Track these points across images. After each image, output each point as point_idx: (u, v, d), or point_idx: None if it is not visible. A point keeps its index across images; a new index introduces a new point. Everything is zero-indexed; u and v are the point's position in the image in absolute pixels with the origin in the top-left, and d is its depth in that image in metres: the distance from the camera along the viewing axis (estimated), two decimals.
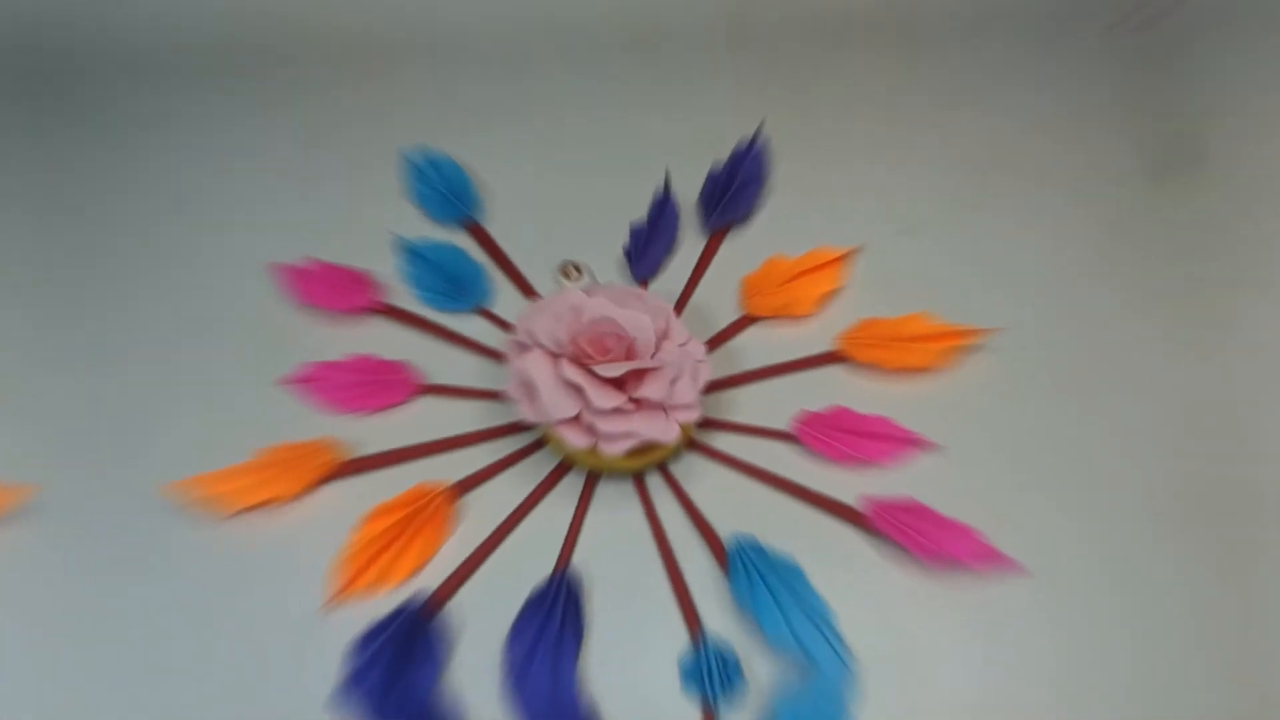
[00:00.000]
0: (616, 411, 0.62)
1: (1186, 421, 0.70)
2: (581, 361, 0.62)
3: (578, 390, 0.62)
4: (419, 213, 0.81)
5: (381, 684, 0.57)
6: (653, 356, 0.64)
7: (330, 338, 0.72)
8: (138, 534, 0.63)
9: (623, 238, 0.79)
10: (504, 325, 0.74)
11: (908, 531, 0.63)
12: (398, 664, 0.58)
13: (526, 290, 0.76)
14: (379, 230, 0.79)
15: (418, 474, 0.66)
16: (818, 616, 0.60)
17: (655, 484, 0.68)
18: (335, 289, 0.74)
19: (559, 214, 0.82)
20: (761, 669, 0.60)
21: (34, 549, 0.63)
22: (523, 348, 0.65)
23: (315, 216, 0.80)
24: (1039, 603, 0.62)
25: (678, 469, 0.68)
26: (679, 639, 0.61)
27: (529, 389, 0.64)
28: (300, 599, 0.61)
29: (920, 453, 0.68)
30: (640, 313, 0.65)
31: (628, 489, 0.67)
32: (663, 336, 0.65)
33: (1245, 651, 0.61)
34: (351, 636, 0.58)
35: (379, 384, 0.69)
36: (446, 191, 0.81)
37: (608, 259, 0.79)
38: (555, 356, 0.63)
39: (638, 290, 0.67)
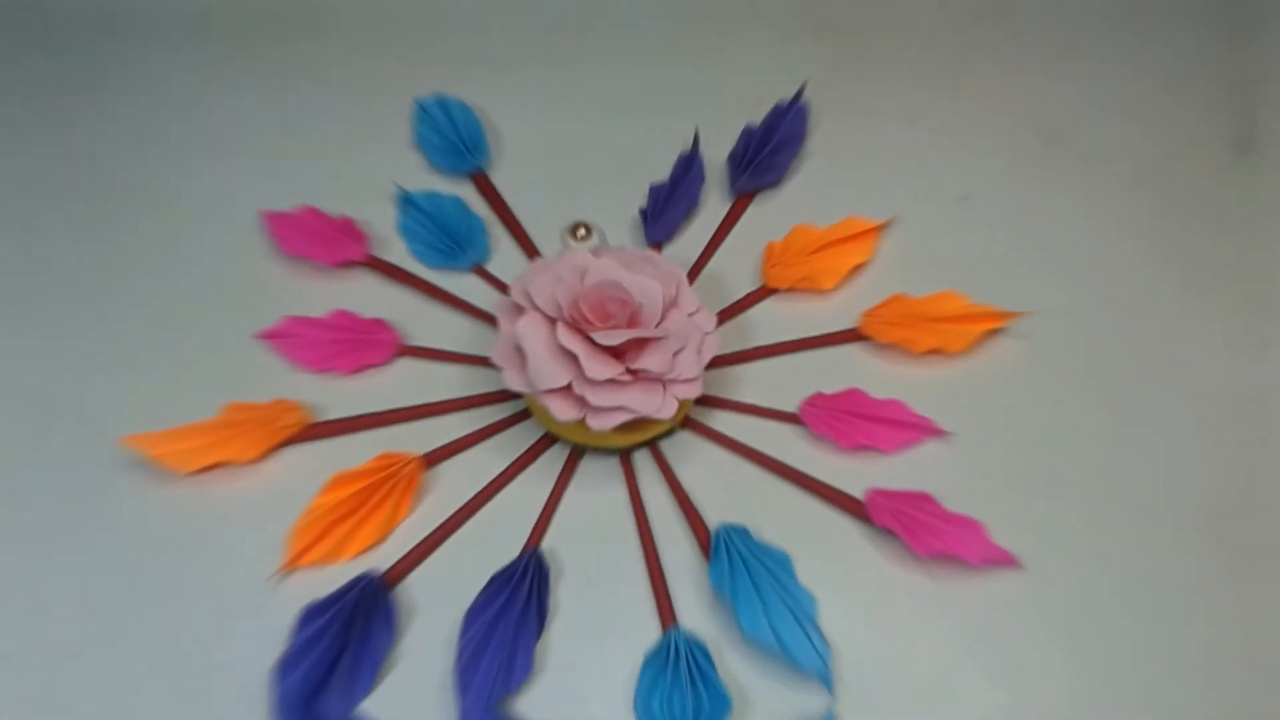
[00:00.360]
0: (611, 383, 0.57)
1: (1228, 424, 0.64)
2: (579, 327, 0.57)
3: (571, 358, 0.57)
4: (424, 162, 0.76)
5: (326, 659, 0.53)
6: (658, 325, 0.58)
7: (313, 292, 0.68)
8: (93, 489, 0.60)
9: (640, 200, 0.74)
10: (501, 286, 0.69)
11: (910, 525, 0.57)
12: (344, 639, 0.54)
13: (530, 250, 0.72)
14: (378, 179, 0.74)
15: (390, 441, 0.62)
16: (799, 609, 0.55)
17: (643, 463, 0.63)
18: (322, 239, 0.69)
19: (574, 170, 0.76)
20: (734, 662, 0.55)
21: None
22: (517, 310, 0.60)
23: (309, 163, 0.76)
24: (1041, 605, 0.57)
25: (669, 448, 0.63)
26: (651, 627, 0.56)
27: (518, 354, 0.59)
28: (251, 566, 0.57)
29: (933, 441, 0.62)
30: (649, 278, 0.59)
31: (613, 467, 0.62)
32: (671, 304, 0.60)
33: (1257, 671, 0.55)
34: (300, 608, 0.55)
35: (358, 343, 0.65)
36: (455, 139, 0.76)
37: (622, 221, 0.74)
38: (551, 320, 0.58)
39: (649, 253, 0.62)
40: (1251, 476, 0.62)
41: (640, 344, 0.58)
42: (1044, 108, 0.81)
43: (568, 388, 0.57)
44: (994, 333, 0.67)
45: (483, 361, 0.65)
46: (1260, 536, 0.60)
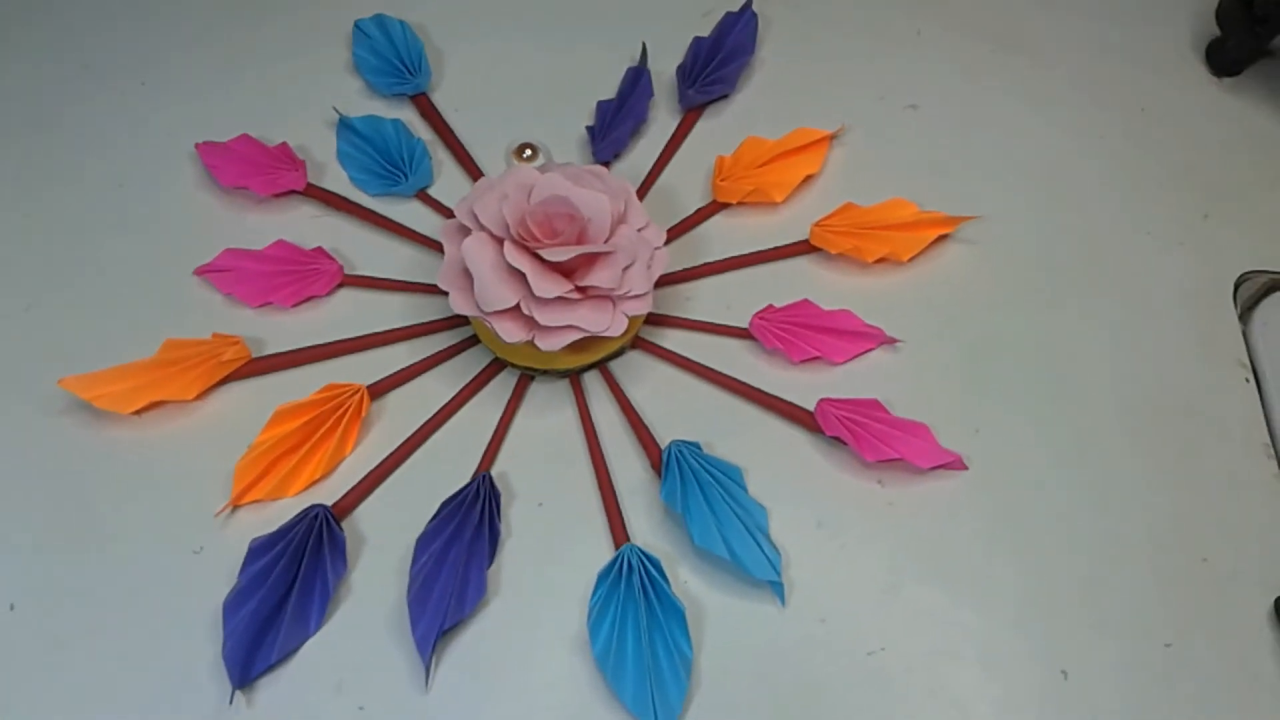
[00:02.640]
0: (559, 301, 0.56)
1: (1170, 325, 0.65)
2: (527, 245, 0.56)
3: (519, 278, 0.56)
4: (363, 86, 0.74)
5: (275, 593, 0.53)
6: (606, 241, 0.57)
7: (252, 223, 0.67)
8: (30, 433, 0.59)
9: (587, 117, 0.72)
10: (445, 212, 0.68)
11: (858, 433, 0.58)
12: (294, 572, 0.53)
13: (474, 173, 0.70)
14: (316, 105, 0.72)
15: (335, 373, 0.61)
16: (750, 520, 0.55)
17: (594, 385, 0.62)
18: (260, 169, 0.67)
19: (518, 89, 0.74)
20: (687, 576, 0.55)
21: None
22: (462, 231, 0.59)
23: (245, 91, 0.73)
24: (987, 506, 0.58)
25: (619, 368, 0.62)
26: (604, 547, 0.56)
27: (464, 277, 0.58)
28: (196, 504, 0.57)
29: (882, 349, 0.62)
30: (597, 193, 0.58)
31: (563, 389, 0.62)
32: (619, 220, 0.59)
33: (1197, 561, 0.57)
34: (249, 541, 0.54)
35: (299, 274, 0.64)
36: (395, 60, 0.73)
37: (569, 141, 0.72)
38: (498, 240, 0.57)
39: (597, 169, 0.61)
40: (1192, 375, 0.63)
41: (589, 260, 0.57)
42: (993, 13, 0.79)
43: (516, 308, 0.56)
44: (943, 239, 0.67)
45: (428, 289, 0.64)
46: (1198, 432, 0.61)
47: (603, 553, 0.56)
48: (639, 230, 0.59)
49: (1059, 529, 0.57)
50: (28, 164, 0.70)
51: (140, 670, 0.52)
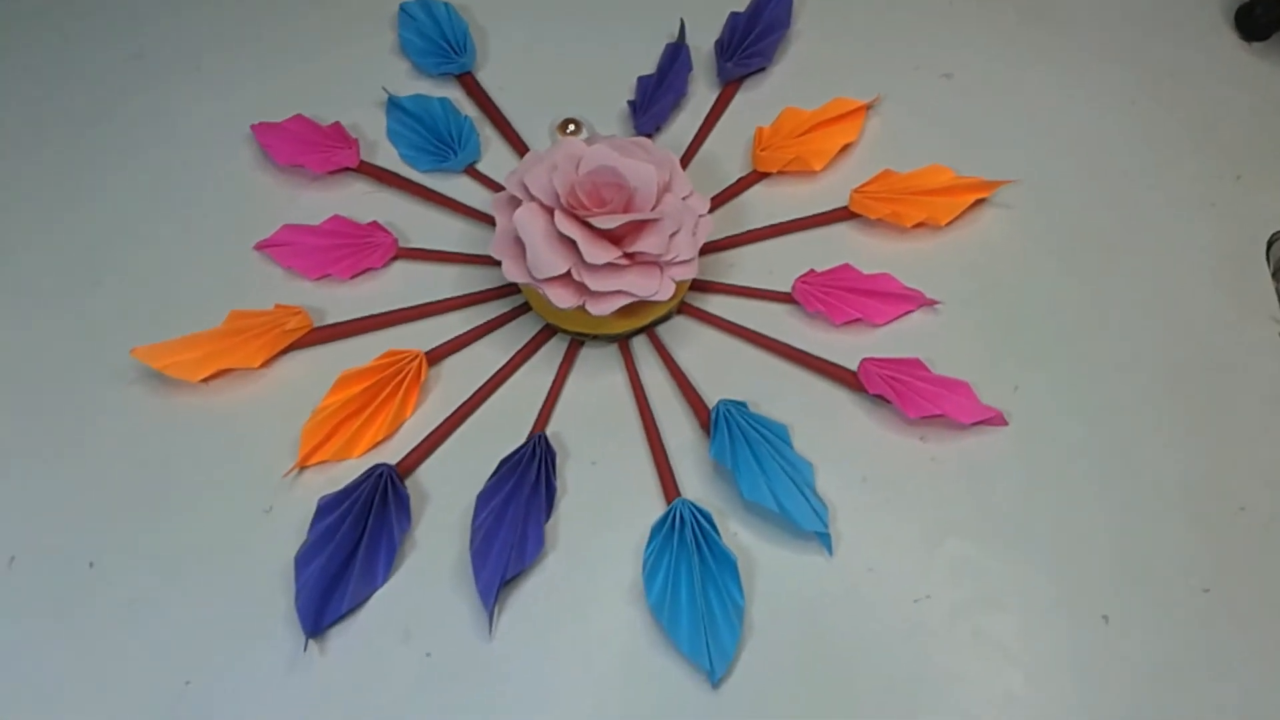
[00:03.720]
0: (609, 267, 0.58)
1: (1201, 286, 0.66)
2: (576, 214, 0.58)
3: (569, 246, 0.58)
4: (410, 67, 0.76)
5: (344, 548, 0.55)
6: (653, 209, 0.59)
7: (308, 200, 0.69)
8: (105, 401, 0.62)
9: (628, 93, 0.74)
10: (493, 186, 0.70)
11: (901, 390, 0.59)
12: (361, 528, 0.56)
13: (520, 148, 0.72)
14: (365, 86, 0.74)
15: (392, 342, 0.64)
16: (798, 476, 0.57)
17: (642, 349, 0.64)
18: (314, 147, 0.70)
19: (561, 66, 0.77)
20: (736, 529, 0.57)
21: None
22: (513, 202, 0.61)
23: (296, 74, 0.76)
24: (1026, 459, 0.60)
25: (666, 333, 0.64)
26: (655, 503, 0.58)
27: (516, 246, 0.60)
28: (264, 466, 0.59)
29: (922, 310, 0.64)
30: (644, 162, 0.60)
31: (612, 354, 0.64)
32: (665, 189, 0.61)
33: (1229, 508, 0.58)
34: (317, 499, 0.57)
35: (356, 247, 0.66)
36: (440, 40, 0.76)
37: (610, 116, 0.74)
38: (549, 210, 0.59)
39: (642, 140, 0.63)
40: (1225, 332, 0.64)
41: (636, 228, 0.59)
42: None
43: (566, 275, 0.58)
44: (980, 203, 0.68)
45: (479, 260, 0.67)
46: (1233, 387, 0.62)
47: (654, 508, 0.58)
48: (684, 199, 0.61)
49: (1098, 481, 0.59)
50: (91, 148, 0.73)
51: (216, 622, 0.55)
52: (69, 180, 0.71)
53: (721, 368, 0.63)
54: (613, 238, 0.59)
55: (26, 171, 0.71)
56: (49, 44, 0.78)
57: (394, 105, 0.73)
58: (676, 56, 0.75)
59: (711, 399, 0.61)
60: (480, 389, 0.62)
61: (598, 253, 0.57)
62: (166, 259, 0.67)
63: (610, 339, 0.64)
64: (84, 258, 0.68)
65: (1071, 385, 0.62)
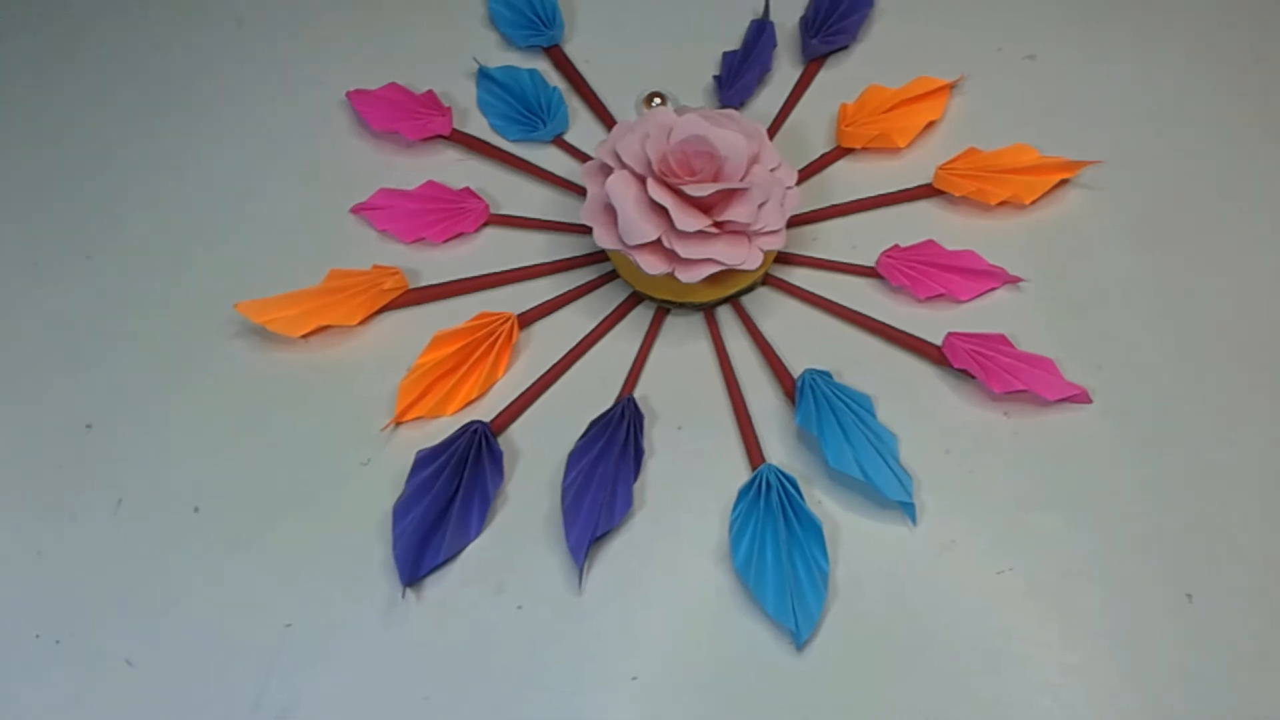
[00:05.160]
0: (699, 235, 0.59)
1: None
2: (668, 182, 0.59)
3: (660, 213, 0.59)
4: (499, 39, 0.78)
5: (440, 500, 0.57)
6: (742, 179, 0.60)
7: (402, 165, 0.71)
8: (210, 351, 0.64)
9: (713, 67, 0.75)
10: (580, 156, 0.72)
11: (986, 365, 0.60)
12: (456, 482, 0.57)
13: (607, 120, 0.73)
14: (455, 57, 0.76)
15: (483, 305, 0.65)
16: (882, 446, 0.58)
17: (726, 318, 0.65)
18: (408, 114, 0.72)
19: (647, 39, 0.78)
20: (820, 496, 0.58)
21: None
22: (604, 170, 0.62)
23: (388, 42, 0.78)
24: (1111, 437, 0.60)
25: (751, 303, 0.66)
26: (740, 468, 0.59)
27: (607, 213, 0.61)
28: (361, 420, 0.61)
29: (1006, 288, 0.65)
30: (733, 132, 0.61)
31: (697, 322, 0.65)
32: (754, 160, 0.62)
33: None
34: (409, 458, 0.58)
35: (448, 212, 0.68)
36: (529, 13, 0.77)
37: (695, 89, 0.75)
38: (640, 178, 0.60)
39: (731, 111, 0.63)
40: None
41: (727, 197, 0.60)
42: None
43: (657, 243, 0.60)
44: (1063, 183, 0.68)
45: (568, 227, 0.68)
46: None
47: (739, 473, 0.59)
48: (771, 170, 0.62)
49: (1183, 459, 0.59)
50: (192, 114, 0.75)
51: (316, 567, 0.57)
52: (179, 141, 0.73)
53: (804, 339, 0.64)
54: (703, 206, 0.60)
55: (136, 134, 0.74)
56: (156, 11, 0.80)
57: (484, 76, 0.74)
58: (761, 32, 0.76)
59: (795, 369, 0.62)
60: (569, 353, 0.63)
61: (689, 220, 0.58)
62: (267, 219, 0.69)
63: (695, 308, 0.65)
64: (189, 217, 0.70)
65: (1156, 365, 0.62)
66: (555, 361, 0.63)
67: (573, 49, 0.77)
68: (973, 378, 0.60)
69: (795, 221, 0.68)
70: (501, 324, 0.63)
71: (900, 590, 0.55)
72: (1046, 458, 0.59)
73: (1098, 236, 0.67)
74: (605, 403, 0.61)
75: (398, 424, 0.61)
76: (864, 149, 0.71)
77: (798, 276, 0.66)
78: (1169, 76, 0.74)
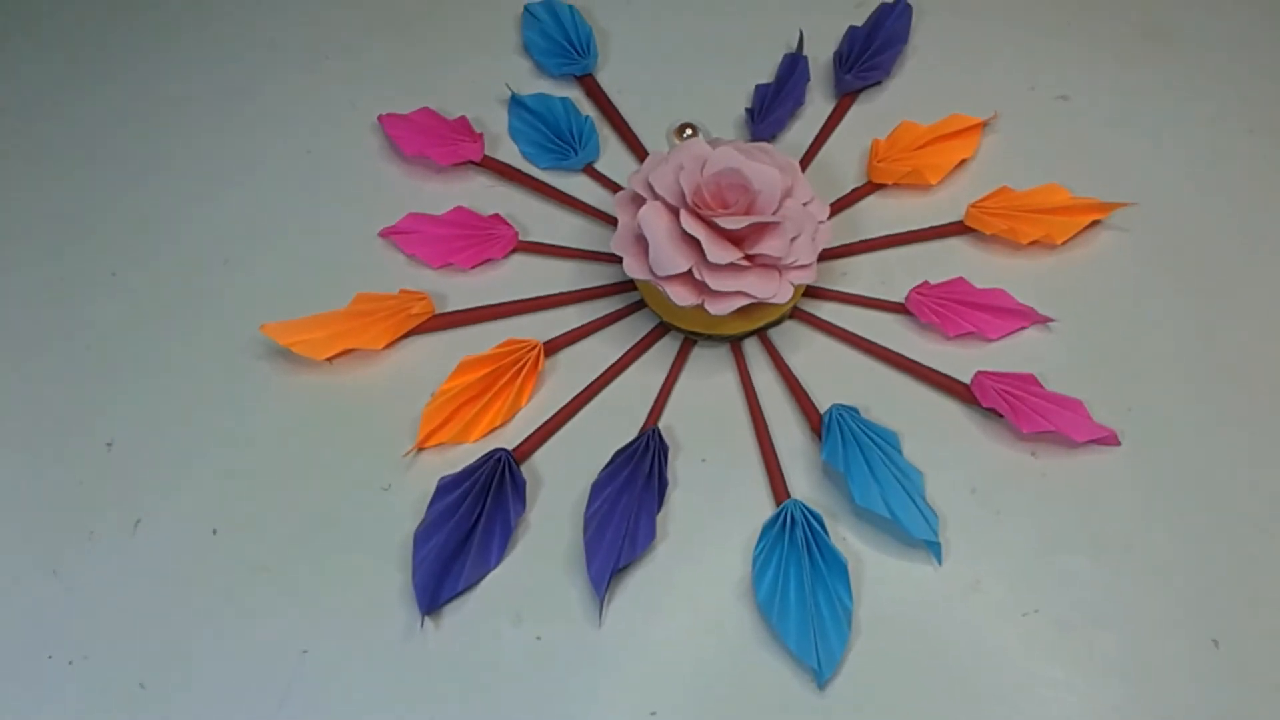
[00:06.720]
0: (730, 268, 0.59)
1: None
2: (701, 214, 0.59)
3: (691, 245, 0.59)
4: (532, 66, 0.78)
5: (462, 527, 0.57)
6: (774, 213, 0.60)
7: (432, 190, 0.71)
8: (235, 374, 0.64)
9: (744, 100, 0.75)
10: (610, 185, 0.72)
11: (1015, 405, 0.59)
12: (478, 509, 0.57)
13: (638, 150, 0.73)
14: (489, 83, 0.76)
15: (510, 331, 0.65)
16: (908, 483, 0.57)
17: (753, 351, 0.65)
18: (440, 140, 0.72)
19: (680, 71, 0.78)
20: (845, 533, 0.58)
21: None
22: (636, 200, 0.62)
23: (422, 69, 0.78)
24: (1140, 480, 0.59)
25: (778, 336, 0.65)
26: (764, 502, 0.59)
27: (638, 243, 0.61)
28: (384, 445, 0.61)
29: (1035, 328, 0.64)
30: (767, 166, 0.61)
31: (724, 354, 0.65)
32: (786, 194, 0.61)
33: None
34: (431, 483, 0.58)
35: (478, 238, 0.68)
36: (563, 41, 0.78)
37: (726, 122, 0.75)
38: (673, 209, 0.60)
39: (764, 144, 0.63)
40: None
41: (758, 230, 0.60)
42: (1142, 5, 0.80)
43: (687, 274, 0.59)
44: (1095, 224, 0.68)
45: (597, 256, 0.68)
46: None
47: (763, 507, 0.58)
48: (804, 204, 0.62)
49: (1212, 503, 0.58)
50: (230, 133, 0.76)
51: (334, 593, 0.56)
52: (209, 162, 0.74)
53: (832, 373, 0.63)
54: (734, 239, 0.59)
55: (166, 154, 0.74)
56: (188, 33, 0.81)
57: (516, 103, 0.75)
58: (795, 66, 0.76)
59: (822, 404, 0.62)
60: (594, 382, 0.63)
61: (721, 253, 0.58)
62: (295, 241, 0.70)
63: (722, 339, 0.65)
64: (217, 237, 0.70)
65: (1186, 409, 0.61)
66: (580, 390, 0.63)
67: (605, 78, 0.77)
68: (1001, 417, 0.60)
69: (825, 256, 0.68)
70: (527, 351, 0.62)
71: (924, 630, 0.55)
72: (1074, 499, 0.58)
73: (1129, 278, 0.66)
74: (630, 433, 0.61)
75: (420, 449, 0.61)
76: (895, 185, 0.71)
77: (826, 311, 0.66)
78: (1201, 119, 0.74)
